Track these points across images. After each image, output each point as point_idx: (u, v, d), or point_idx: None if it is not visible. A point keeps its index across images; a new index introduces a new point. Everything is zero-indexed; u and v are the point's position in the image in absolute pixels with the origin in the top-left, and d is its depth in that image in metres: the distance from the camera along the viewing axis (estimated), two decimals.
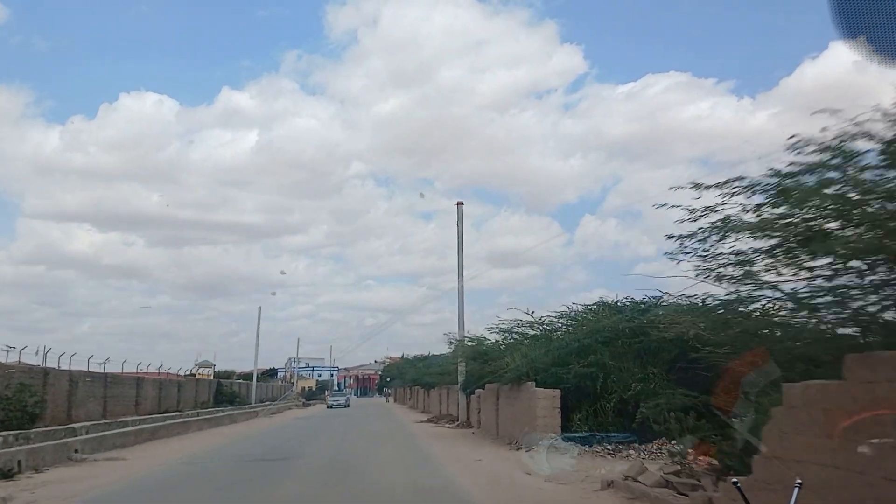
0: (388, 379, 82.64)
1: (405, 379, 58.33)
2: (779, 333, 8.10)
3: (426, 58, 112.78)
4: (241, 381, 75.53)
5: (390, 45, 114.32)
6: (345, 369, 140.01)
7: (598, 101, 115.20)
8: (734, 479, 4.48)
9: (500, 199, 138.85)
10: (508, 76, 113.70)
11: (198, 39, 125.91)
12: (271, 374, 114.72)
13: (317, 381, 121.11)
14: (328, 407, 59.36)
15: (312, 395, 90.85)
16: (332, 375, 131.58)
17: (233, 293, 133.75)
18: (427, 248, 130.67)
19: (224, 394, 55.08)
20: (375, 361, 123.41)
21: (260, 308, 66.04)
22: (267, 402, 67.12)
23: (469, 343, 24.97)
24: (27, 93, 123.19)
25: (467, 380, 29.03)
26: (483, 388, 26.33)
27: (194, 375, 68.59)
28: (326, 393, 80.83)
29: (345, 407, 58.67)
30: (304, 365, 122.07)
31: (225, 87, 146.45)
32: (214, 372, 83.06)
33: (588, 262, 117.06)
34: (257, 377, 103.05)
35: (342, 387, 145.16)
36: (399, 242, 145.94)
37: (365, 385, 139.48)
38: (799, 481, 3.49)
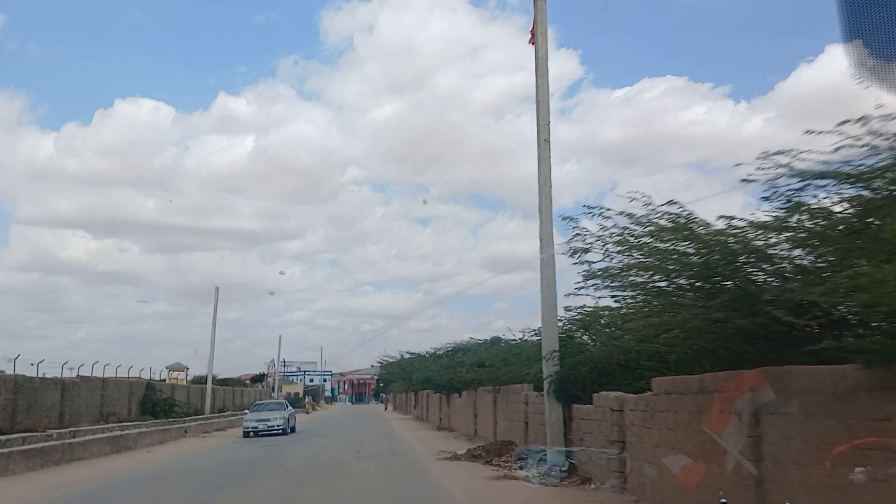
0: (386, 382, 66.56)
1: (412, 381, 41.76)
2: None
3: (422, 64, 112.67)
4: (217, 386, 60.70)
5: (386, 52, 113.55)
6: (339, 374, 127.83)
7: (594, 106, 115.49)
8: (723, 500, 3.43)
9: (497, 204, 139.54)
10: (504, 82, 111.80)
11: (194, 45, 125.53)
12: (260, 379, 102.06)
13: (305, 386, 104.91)
14: (245, 434, 30.37)
15: (294, 403, 74.66)
16: (324, 380, 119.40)
17: (229, 299, 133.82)
18: (424, 254, 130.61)
19: (155, 402, 38.55)
20: (372, 366, 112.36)
21: (217, 289, 49.14)
22: (228, 413, 50.91)
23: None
24: (22, 99, 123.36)
25: (575, 366, 12.76)
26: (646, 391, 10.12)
27: (164, 380, 54.61)
28: (307, 400, 63.93)
29: (281, 433, 29.99)
30: (294, 369, 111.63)
31: (221, 93, 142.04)
32: (194, 377, 69.22)
33: (584, 267, 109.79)
34: (244, 382, 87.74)
35: (335, 393, 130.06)
36: (396, 248, 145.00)
37: (360, 390, 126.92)
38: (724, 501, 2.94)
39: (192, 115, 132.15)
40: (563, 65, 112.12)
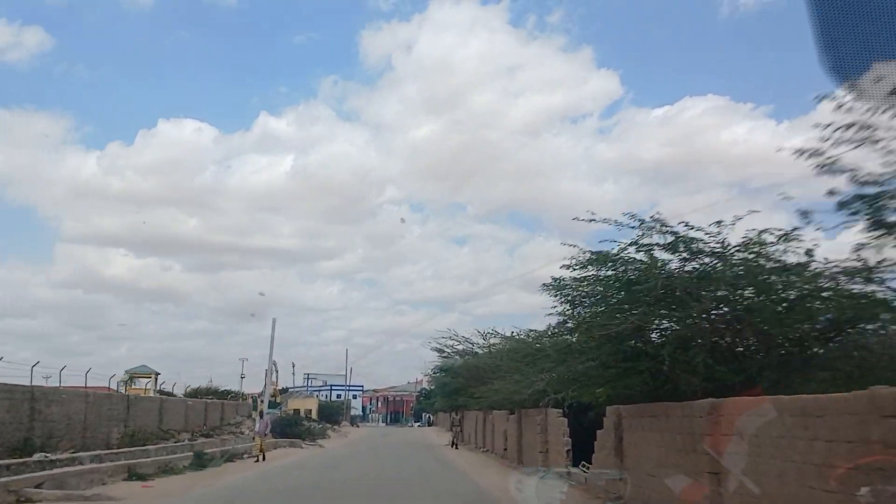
0: (448, 392, 35.98)
1: (521, 389, 11.22)
2: None
3: (460, 83, 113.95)
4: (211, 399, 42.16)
5: (424, 71, 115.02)
6: (372, 390, 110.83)
7: (633, 125, 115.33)
8: None
9: (535, 223, 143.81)
10: (542, 101, 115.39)
11: (237, 66, 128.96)
12: (284, 391, 79.64)
13: (321, 402, 76.89)
14: None
15: (288, 427, 45.33)
16: (354, 396, 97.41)
17: (268, 317, 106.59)
18: (460, 274, 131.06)
19: None
20: (409, 382, 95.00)
21: None
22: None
23: None
24: (68, 119, 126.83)
25: None
26: None
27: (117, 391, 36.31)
28: (258, 430, 30.98)
29: None
30: (321, 383, 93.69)
31: (263, 113, 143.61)
32: (191, 389, 47.11)
33: None
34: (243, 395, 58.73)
35: (367, 412, 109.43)
36: (433, 268, 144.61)
37: (397, 409, 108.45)
38: None
39: (233, 135, 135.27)
40: (603, 84, 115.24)
